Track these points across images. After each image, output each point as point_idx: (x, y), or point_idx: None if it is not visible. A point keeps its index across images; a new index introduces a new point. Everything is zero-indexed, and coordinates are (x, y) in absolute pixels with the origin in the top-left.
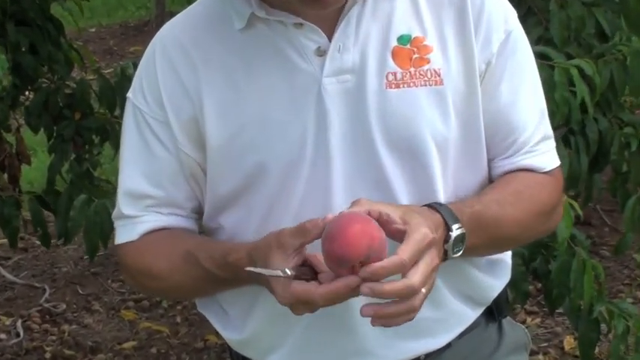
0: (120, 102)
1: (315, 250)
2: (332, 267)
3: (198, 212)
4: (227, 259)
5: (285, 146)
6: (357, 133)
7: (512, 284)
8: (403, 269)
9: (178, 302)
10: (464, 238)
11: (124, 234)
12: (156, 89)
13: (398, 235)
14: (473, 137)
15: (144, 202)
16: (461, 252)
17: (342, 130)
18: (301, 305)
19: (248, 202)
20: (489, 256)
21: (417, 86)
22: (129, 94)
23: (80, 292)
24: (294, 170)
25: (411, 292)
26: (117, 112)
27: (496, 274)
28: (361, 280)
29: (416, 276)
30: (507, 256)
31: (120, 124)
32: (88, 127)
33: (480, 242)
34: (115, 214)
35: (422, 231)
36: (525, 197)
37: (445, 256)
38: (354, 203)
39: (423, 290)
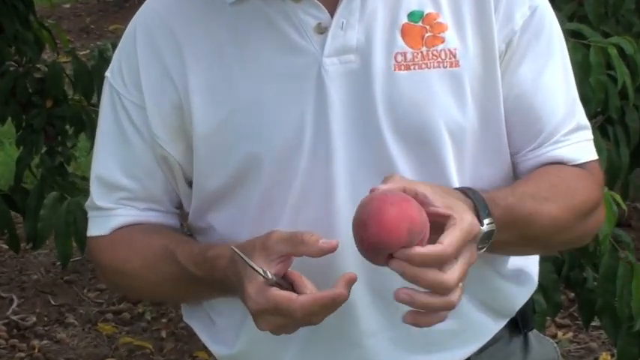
0: (97, 88)
1: (306, 265)
2: (367, 256)
3: (180, 207)
4: (206, 253)
5: (281, 134)
6: (362, 121)
7: (542, 294)
8: (443, 262)
9: (163, 314)
10: (492, 234)
11: (96, 227)
12: (135, 71)
13: (437, 220)
14: (492, 127)
15: (118, 193)
16: (484, 249)
17: (344, 116)
18: (272, 316)
19: (240, 197)
20: (515, 261)
21: (429, 68)
22: (107, 73)
23: (52, 302)
24: (291, 161)
25: (444, 291)
26: (94, 100)
27: (521, 282)
28: (347, 295)
29: (454, 273)
30: (534, 261)
31: (97, 113)
32: (60, 116)
33: (509, 240)
34: (87, 202)
35: (469, 220)
36: (562, 192)
37: None
38: (386, 179)
39: (460, 285)
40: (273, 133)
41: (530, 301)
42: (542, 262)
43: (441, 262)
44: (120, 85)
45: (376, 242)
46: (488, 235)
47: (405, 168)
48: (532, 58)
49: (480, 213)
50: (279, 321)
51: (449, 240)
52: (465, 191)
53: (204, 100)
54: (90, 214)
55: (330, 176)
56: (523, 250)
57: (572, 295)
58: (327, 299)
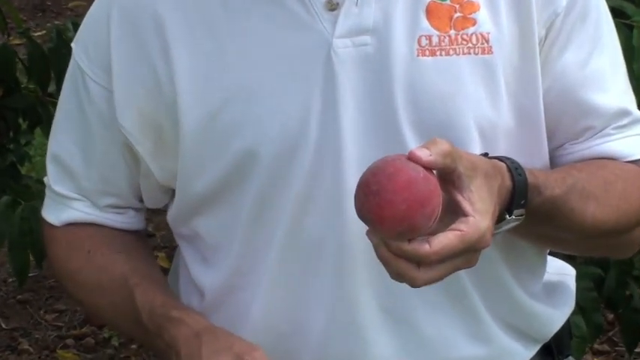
0: (56, 74)
1: (311, 285)
2: (357, 213)
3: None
4: (170, 313)
5: (282, 128)
6: (377, 114)
7: (581, 315)
8: (424, 263)
9: (133, 340)
10: (517, 225)
11: (49, 211)
12: (104, 48)
13: (453, 205)
14: (530, 125)
15: (75, 182)
16: (501, 234)
17: (356, 108)
18: None
19: (232, 201)
20: (548, 279)
21: (458, 54)
22: (73, 43)
23: (3, 326)
24: (293, 160)
25: (408, 283)
26: (51, 89)
27: (556, 303)
28: None
29: (428, 274)
30: (571, 279)
31: (55, 105)
32: (12, 107)
33: (539, 233)
34: (45, 179)
35: (481, 232)
36: (616, 193)
37: None
38: (434, 144)
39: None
40: (273, 126)
41: (567, 325)
42: (579, 278)
43: (419, 262)
44: (84, 61)
45: (365, 216)
46: (514, 226)
47: None
48: (578, 44)
49: (514, 200)
50: None
51: (440, 247)
52: (511, 170)
53: (191, 88)
54: (46, 191)
55: (339, 179)
56: (551, 244)
57: (611, 316)
58: None
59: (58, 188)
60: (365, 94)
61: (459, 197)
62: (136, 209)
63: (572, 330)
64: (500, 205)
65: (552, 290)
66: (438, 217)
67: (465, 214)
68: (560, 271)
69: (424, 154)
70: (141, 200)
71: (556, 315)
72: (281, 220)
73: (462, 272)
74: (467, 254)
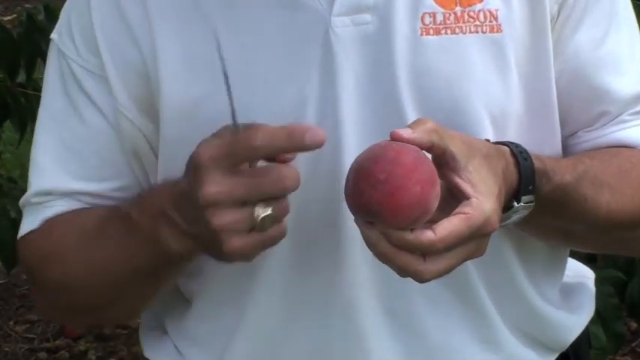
0: (25, 63)
1: (307, 279)
2: (349, 207)
3: None
4: (148, 190)
5: (275, 117)
6: (379, 98)
7: (601, 323)
8: (430, 253)
9: (112, 352)
10: (526, 214)
11: (26, 223)
12: (88, 28)
13: (454, 191)
14: (542, 109)
15: (62, 186)
16: (509, 226)
17: (357, 92)
18: (224, 171)
19: None
20: (566, 283)
21: (464, 33)
22: (53, 35)
23: None
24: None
25: (415, 278)
26: (21, 78)
27: (574, 308)
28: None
29: (436, 265)
30: (590, 282)
31: (26, 96)
32: None
33: (550, 225)
34: (23, 198)
35: (486, 214)
36: (632, 181)
37: None
38: (418, 123)
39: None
40: (265, 114)
41: (586, 332)
42: (599, 283)
43: (424, 253)
44: (70, 48)
45: (371, 210)
46: (525, 214)
47: None
48: (592, 22)
49: (521, 186)
50: (236, 180)
51: (445, 233)
52: (515, 154)
53: (174, 71)
54: (23, 211)
55: (338, 169)
56: (563, 239)
57: (634, 325)
58: (294, 128)
59: (38, 198)
60: (366, 78)
61: (457, 179)
62: None
63: (590, 340)
64: (506, 189)
65: (570, 294)
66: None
67: (466, 197)
68: (579, 274)
69: (406, 132)
70: None
71: (574, 322)
72: None
73: (472, 272)
74: (475, 240)
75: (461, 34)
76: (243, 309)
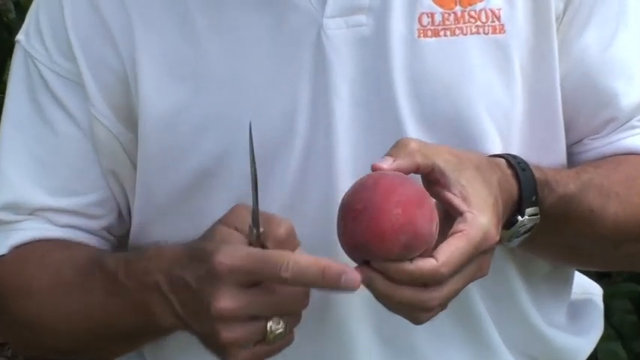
0: None
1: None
2: (344, 249)
3: (114, 230)
4: (148, 251)
5: (264, 126)
6: (375, 105)
7: (620, 341)
8: (433, 281)
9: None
10: (533, 228)
11: None
12: (61, 29)
13: (447, 208)
14: (546, 114)
15: (31, 201)
16: (516, 245)
17: (351, 99)
18: (242, 291)
19: (201, 209)
20: (572, 301)
21: (465, 34)
22: (19, 36)
23: None
24: (276, 163)
25: (419, 310)
26: None
27: (582, 330)
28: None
29: (441, 292)
30: (598, 298)
31: None
32: None
33: (553, 241)
34: None
35: (484, 227)
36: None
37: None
38: (395, 149)
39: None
40: (253, 121)
41: (594, 354)
42: (616, 299)
43: (433, 281)
44: (38, 50)
45: (359, 245)
46: (529, 228)
47: None
48: (600, 22)
49: (523, 199)
50: (253, 296)
51: (447, 257)
52: (513, 165)
53: (155, 75)
54: None
55: (331, 182)
56: (568, 258)
57: None
58: (330, 267)
59: (3, 215)
60: (360, 84)
61: (449, 195)
62: (103, 238)
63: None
64: (504, 202)
65: (577, 315)
66: (438, 226)
67: (460, 213)
68: (586, 291)
69: (386, 162)
70: (109, 228)
71: (582, 344)
72: None
73: (474, 295)
74: (476, 259)
75: (461, 36)
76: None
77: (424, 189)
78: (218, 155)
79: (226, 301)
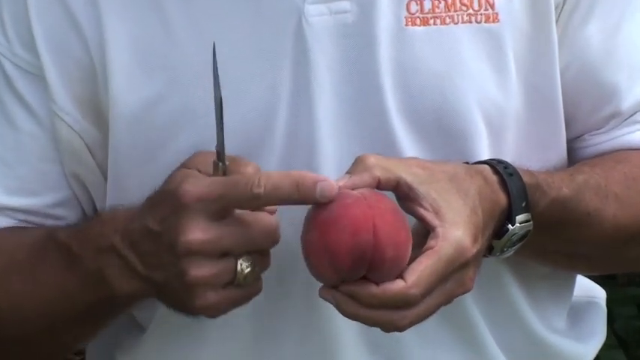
0: None
1: (280, 295)
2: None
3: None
4: (102, 215)
5: (242, 119)
6: (359, 98)
7: (622, 349)
8: (406, 304)
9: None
10: (527, 235)
11: None
12: (23, 21)
13: (422, 223)
14: (544, 108)
15: None
16: (510, 254)
17: (334, 92)
18: (211, 222)
19: None
20: (574, 305)
21: (456, 23)
22: None
23: None
24: (256, 157)
25: (393, 330)
26: None
27: (584, 335)
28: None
29: (414, 312)
30: (601, 301)
31: None
32: None
33: (549, 247)
34: None
35: (457, 242)
36: None
37: (487, 253)
38: (357, 163)
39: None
40: (230, 116)
41: None
42: (620, 304)
43: (405, 303)
44: (1, 42)
45: (312, 268)
46: (523, 236)
47: None
48: (602, 13)
49: (513, 207)
50: (222, 229)
51: (416, 277)
52: (498, 171)
53: (126, 67)
54: None
55: None
56: (567, 264)
57: None
58: (304, 177)
59: None
60: (344, 75)
61: (419, 210)
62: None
63: None
64: (489, 210)
65: (579, 320)
66: (410, 236)
67: (432, 228)
68: (589, 294)
69: (342, 180)
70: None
71: (584, 351)
72: None
73: (467, 299)
74: (454, 275)
75: (452, 25)
76: (207, 336)
77: (394, 205)
78: (194, 150)
79: (195, 233)
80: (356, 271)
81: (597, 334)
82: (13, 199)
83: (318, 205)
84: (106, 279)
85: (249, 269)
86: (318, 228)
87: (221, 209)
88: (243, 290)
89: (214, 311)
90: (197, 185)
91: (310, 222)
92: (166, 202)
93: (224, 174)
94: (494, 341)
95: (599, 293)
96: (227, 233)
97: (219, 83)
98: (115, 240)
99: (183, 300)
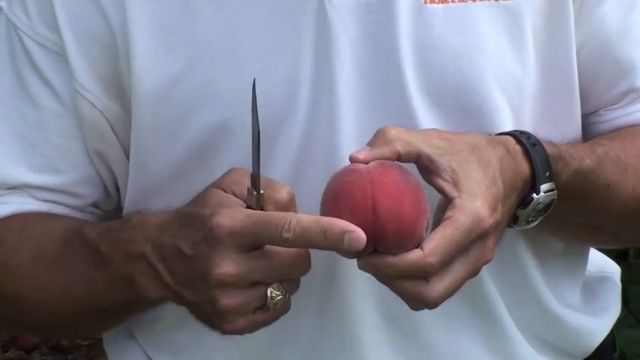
0: None
1: None
2: None
3: (102, 206)
4: (131, 220)
5: (264, 95)
6: (379, 72)
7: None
8: (425, 273)
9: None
10: (551, 205)
11: None
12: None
13: (442, 195)
14: (560, 83)
15: (9, 176)
16: (536, 223)
17: (355, 68)
18: (245, 254)
19: (201, 183)
20: (588, 280)
21: (474, 1)
22: (1, 2)
23: None
24: (278, 135)
25: (422, 304)
26: None
27: (598, 310)
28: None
29: (439, 285)
30: (615, 277)
31: None
32: None
33: (570, 218)
34: None
35: (475, 212)
36: None
37: (512, 223)
38: (378, 136)
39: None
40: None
41: (611, 336)
42: (635, 283)
43: (423, 273)
44: (22, 19)
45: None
46: (548, 205)
47: None
48: None
49: (537, 177)
50: (253, 262)
51: (433, 245)
52: (522, 142)
53: (149, 44)
54: None
55: (335, 151)
56: (586, 237)
57: None
58: (333, 225)
59: None
60: (365, 52)
61: (439, 181)
62: (88, 213)
63: (624, 347)
64: (510, 181)
65: (593, 294)
66: (423, 208)
67: (450, 199)
68: (603, 269)
69: (363, 152)
70: (95, 203)
71: (598, 325)
72: None
73: (485, 275)
74: (474, 245)
75: (470, 2)
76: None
77: (402, 178)
78: (217, 127)
79: (228, 266)
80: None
81: (611, 309)
82: (36, 176)
83: (328, 183)
84: (136, 284)
85: (279, 297)
86: (323, 206)
87: (252, 245)
88: (273, 313)
89: (243, 332)
90: (230, 219)
91: (322, 198)
92: (199, 229)
93: (258, 202)
94: (510, 316)
95: (613, 269)
96: (258, 265)
97: (257, 117)
98: (146, 249)
99: (213, 322)
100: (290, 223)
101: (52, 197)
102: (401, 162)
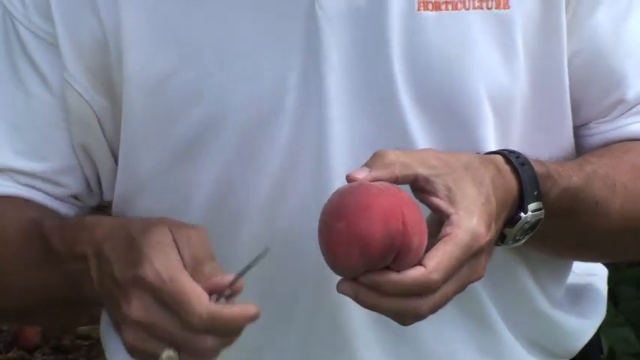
0: None
1: (288, 281)
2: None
3: (84, 199)
4: (84, 220)
5: (252, 94)
6: (370, 81)
7: (631, 327)
8: (427, 290)
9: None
10: (538, 224)
11: None
12: None
13: (436, 214)
14: (551, 92)
15: None
16: (523, 242)
17: (344, 73)
18: (157, 306)
19: (186, 181)
20: (573, 282)
21: (467, 9)
22: None
23: None
24: (266, 133)
25: (412, 319)
26: None
27: (584, 311)
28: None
29: (432, 301)
30: (600, 279)
31: None
32: None
33: (558, 235)
34: None
35: (472, 228)
36: None
37: (499, 242)
38: (377, 158)
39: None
40: (241, 91)
41: (596, 337)
42: (624, 285)
43: (425, 290)
44: (17, 7)
45: (329, 259)
46: (534, 225)
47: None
48: (611, 1)
49: (525, 195)
50: (161, 319)
51: (435, 262)
52: (512, 161)
53: (140, 41)
54: None
55: (323, 156)
56: (573, 252)
57: None
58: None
59: None
60: (355, 58)
61: (435, 200)
62: (68, 203)
63: (614, 345)
64: (502, 198)
65: (579, 296)
66: (425, 232)
67: (447, 216)
68: (589, 272)
69: (362, 173)
70: (76, 194)
71: (584, 326)
72: (249, 207)
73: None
74: (468, 262)
75: (463, 10)
76: None
77: (408, 197)
78: (205, 124)
79: (136, 309)
80: (384, 259)
81: (597, 311)
82: (20, 161)
83: (342, 196)
84: (78, 282)
85: (170, 357)
86: (346, 218)
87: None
88: None
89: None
90: (156, 275)
91: (334, 212)
92: (131, 265)
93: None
94: (500, 317)
95: (600, 271)
96: (163, 323)
97: (245, 273)
98: (88, 251)
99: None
100: (201, 315)
101: (34, 183)
102: (397, 184)
